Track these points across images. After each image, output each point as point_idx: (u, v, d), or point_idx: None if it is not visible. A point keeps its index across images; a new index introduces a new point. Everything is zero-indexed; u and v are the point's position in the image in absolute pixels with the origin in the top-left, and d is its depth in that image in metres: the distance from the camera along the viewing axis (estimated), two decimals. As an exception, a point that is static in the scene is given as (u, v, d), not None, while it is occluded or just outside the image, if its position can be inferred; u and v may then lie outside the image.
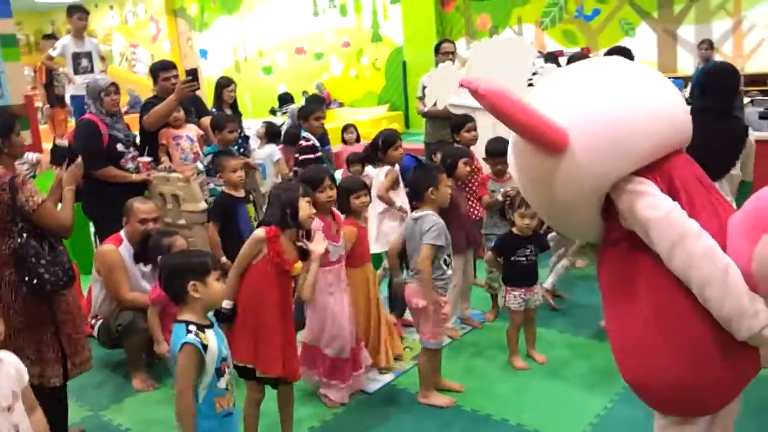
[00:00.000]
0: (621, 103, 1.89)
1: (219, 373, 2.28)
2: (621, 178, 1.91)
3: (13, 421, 2.03)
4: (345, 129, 7.16)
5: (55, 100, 8.08)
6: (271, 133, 5.96)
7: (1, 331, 2.04)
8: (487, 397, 3.48)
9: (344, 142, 7.76)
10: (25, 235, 2.83)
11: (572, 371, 3.68)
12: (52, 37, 9.13)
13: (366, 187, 3.72)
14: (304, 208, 2.88)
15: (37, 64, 8.30)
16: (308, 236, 3.00)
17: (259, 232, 2.82)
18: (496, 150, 4.40)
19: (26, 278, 2.80)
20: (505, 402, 3.42)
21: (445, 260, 3.33)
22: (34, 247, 2.82)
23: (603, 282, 2.12)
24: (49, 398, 2.76)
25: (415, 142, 9.33)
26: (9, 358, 2.10)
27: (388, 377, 3.73)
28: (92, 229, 5.98)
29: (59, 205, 3.08)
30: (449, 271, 3.37)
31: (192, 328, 2.25)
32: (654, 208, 1.85)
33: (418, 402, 3.43)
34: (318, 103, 4.84)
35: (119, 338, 3.74)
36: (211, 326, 2.33)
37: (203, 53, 15.63)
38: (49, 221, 2.88)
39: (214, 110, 5.54)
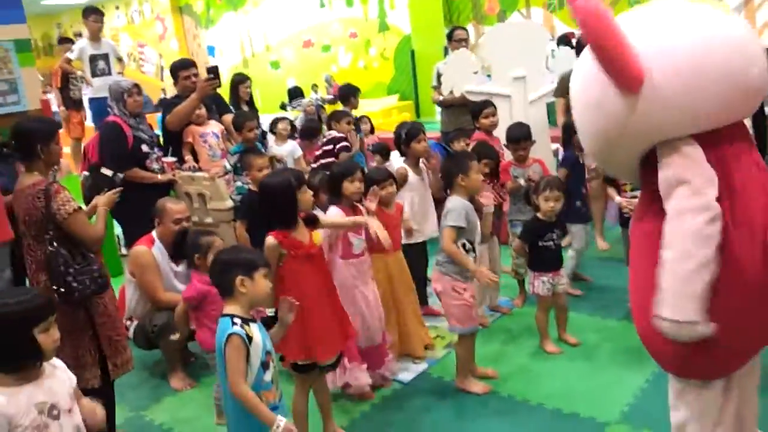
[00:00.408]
0: (702, 56, 1.82)
1: (264, 366, 2.32)
2: (678, 139, 1.86)
3: (75, 422, 2.10)
4: (359, 120, 7.17)
5: (70, 103, 8.11)
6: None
7: (57, 338, 2.08)
8: (522, 382, 3.52)
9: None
10: (55, 243, 2.90)
11: (605, 354, 3.71)
12: (68, 40, 9.13)
13: (392, 177, 3.75)
14: (303, 200, 2.93)
15: (53, 67, 8.31)
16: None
17: (270, 240, 2.86)
18: (517, 135, 4.43)
19: (54, 285, 2.87)
20: (541, 386, 3.45)
21: (464, 245, 3.33)
22: (63, 255, 2.89)
23: (634, 240, 2.10)
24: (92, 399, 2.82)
25: (428, 131, 9.37)
26: (60, 363, 2.18)
27: (422, 366, 3.77)
28: (116, 230, 6.08)
29: (93, 218, 3.15)
30: (470, 257, 3.35)
31: (237, 320, 2.30)
32: (690, 210, 1.80)
33: (456, 387, 3.46)
34: (347, 113, 4.90)
35: (156, 339, 3.79)
36: (255, 320, 2.38)
37: (210, 50, 15.63)
38: (79, 231, 2.94)
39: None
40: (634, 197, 3.85)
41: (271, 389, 2.36)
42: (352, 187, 3.36)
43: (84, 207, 3.37)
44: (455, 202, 3.33)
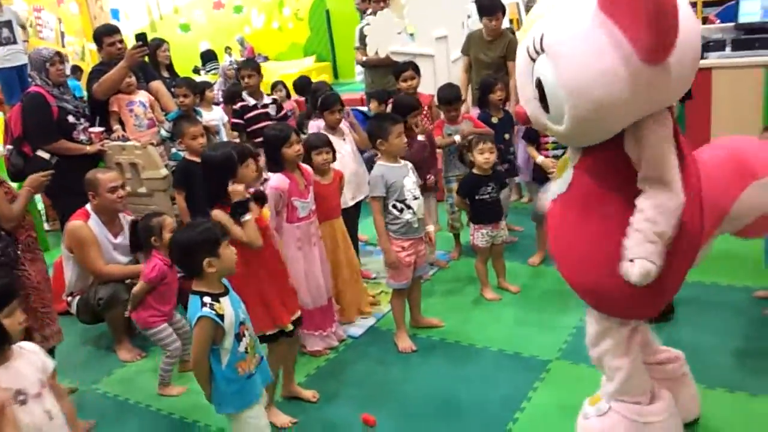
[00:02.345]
0: (697, 29, 1.97)
1: (238, 337, 2.35)
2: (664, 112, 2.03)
3: (45, 407, 2.11)
4: (273, 87, 7.06)
5: None
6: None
7: (22, 320, 2.08)
8: (466, 328, 3.72)
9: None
10: None
11: (541, 296, 3.98)
12: None
13: (329, 144, 3.79)
14: (246, 175, 2.91)
15: None
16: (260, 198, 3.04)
17: (217, 214, 2.80)
18: (448, 97, 4.54)
19: None
20: (484, 331, 3.67)
21: (394, 205, 3.43)
22: None
23: (577, 199, 2.23)
24: None
25: (346, 92, 9.37)
26: (31, 347, 2.16)
27: (370, 321, 3.92)
28: (39, 206, 5.87)
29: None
30: (406, 215, 3.43)
31: (207, 299, 2.30)
32: (671, 195, 2.01)
33: (394, 342, 3.63)
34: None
35: (102, 311, 3.75)
36: (226, 293, 2.39)
37: (114, 13, 14.88)
38: None
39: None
40: (556, 157, 4.09)
41: (246, 358, 2.38)
42: (290, 151, 3.33)
43: (10, 183, 3.29)
44: (374, 171, 3.46)
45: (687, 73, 1.96)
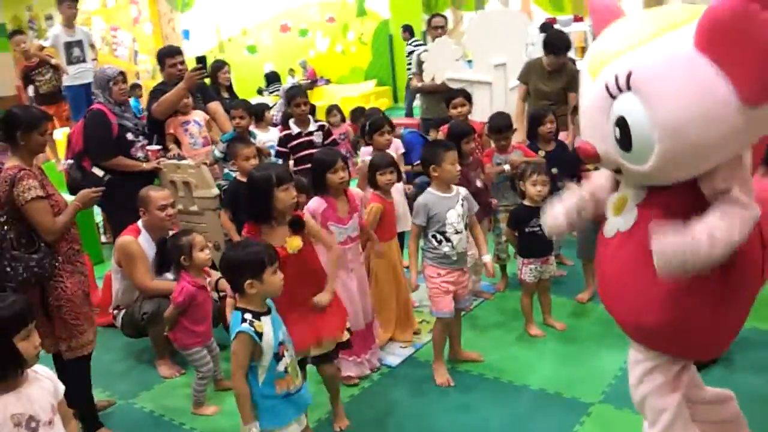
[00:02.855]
0: None
1: (276, 357, 2.39)
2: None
3: None
4: (329, 112, 7.13)
5: (39, 100, 7.80)
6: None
7: (38, 344, 2.06)
8: (507, 364, 3.61)
9: (329, 124, 7.75)
10: (6, 226, 2.96)
11: (587, 335, 3.83)
12: (20, 32, 8.82)
13: (393, 165, 3.78)
14: (281, 198, 2.85)
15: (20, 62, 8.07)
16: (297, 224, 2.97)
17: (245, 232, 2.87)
18: (499, 125, 4.47)
19: None
20: (525, 368, 3.56)
21: (434, 235, 3.39)
22: (9, 240, 2.95)
23: (641, 230, 2.11)
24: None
25: (404, 117, 9.43)
26: (44, 371, 2.13)
27: (408, 351, 3.85)
28: (98, 219, 6.06)
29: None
30: (444, 248, 3.37)
31: (247, 316, 2.36)
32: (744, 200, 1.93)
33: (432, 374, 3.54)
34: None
35: (145, 327, 3.81)
36: (268, 313, 2.43)
37: (185, 34, 15.45)
38: (35, 219, 2.96)
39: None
40: None
41: (285, 378, 2.42)
42: (335, 177, 3.31)
43: (68, 197, 3.38)
44: (420, 198, 3.43)
45: None
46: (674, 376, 2.24)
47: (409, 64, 9.58)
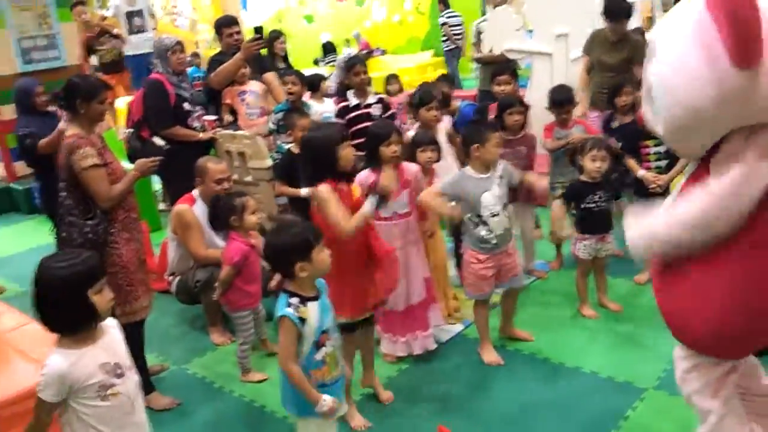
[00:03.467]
0: None
1: (317, 345, 2.33)
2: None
3: (136, 379, 2.17)
4: (388, 81, 7.07)
5: (102, 70, 7.96)
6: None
7: (111, 298, 2.12)
8: (558, 345, 3.54)
9: (388, 93, 7.69)
10: (65, 192, 3.05)
11: (643, 317, 3.71)
12: (81, 2, 8.98)
13: (434, 142, 3.72)
14: (344, 156, 2.86)
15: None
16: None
17: (324, 188, 2.82)
18: (560, 98, 4.33)
19: (55, 229, 3.08)
20: (578, 349, 3.48)
21: (470, 218, 3.31)
22: (67, 205, 3.04)
23: None
24: None
25: (461, 90, 9.27)
26: (111, 322, 2.20)
27: (458, 327, 3.82)
28: (157, 187, 6.19)
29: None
30: (481, 231, 3.29)
31: (294, 300, 2.31)
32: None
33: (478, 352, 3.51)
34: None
35: (198, 294, 3.88)
36: (316, 298, 2.37)
37: (243, 3, 15.49)
38: (92, 186, 3.01)
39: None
40: (659, 169, 3.94)
41: (321, 368, 2.35)
42: (387, 150, 3.26)
43: (127, 165, 3.44)
44: (456, 175, 3.37)
45: None
46: (717, 378, 2.09)
47: (444, 35, 10.28)
